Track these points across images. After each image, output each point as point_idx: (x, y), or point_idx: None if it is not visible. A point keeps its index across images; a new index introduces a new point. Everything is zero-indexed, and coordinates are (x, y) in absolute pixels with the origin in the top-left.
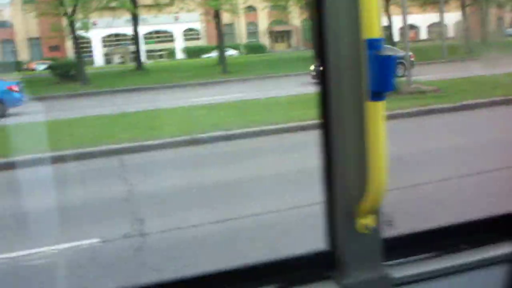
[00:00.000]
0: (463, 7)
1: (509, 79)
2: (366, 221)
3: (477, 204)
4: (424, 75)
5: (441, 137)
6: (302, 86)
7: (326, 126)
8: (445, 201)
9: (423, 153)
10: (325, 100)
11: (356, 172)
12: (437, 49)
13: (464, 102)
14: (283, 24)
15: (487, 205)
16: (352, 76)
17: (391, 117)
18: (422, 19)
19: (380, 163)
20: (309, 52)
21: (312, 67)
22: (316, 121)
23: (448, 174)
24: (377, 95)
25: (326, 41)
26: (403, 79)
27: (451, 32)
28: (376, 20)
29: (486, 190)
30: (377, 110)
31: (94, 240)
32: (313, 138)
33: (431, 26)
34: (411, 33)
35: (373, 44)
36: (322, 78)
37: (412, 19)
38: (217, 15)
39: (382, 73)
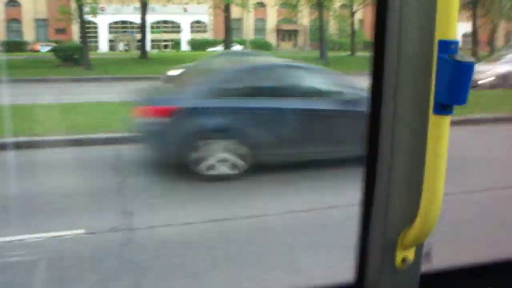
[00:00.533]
0: (474, 18)
1: None
2: (405, 254)
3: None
4: None
5: None
6: None
7: (374, 137)
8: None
9: None
10: (376, 107)
11: (404, 196)
12: None
13: (468, 117)
14: (292, 23)
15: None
16: (414, 82)
17: None
18: None
19: (437, 188)
20: (314, 53)
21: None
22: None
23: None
24: (444, 108)
25: (387, 37)
26: None
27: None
28: (454, 19)
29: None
30: (442, 126)
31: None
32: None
33: None
34: None
35: (447, 46)
36: (375, 80)
37: None
38: (227, 9)
39: (455, 82)
